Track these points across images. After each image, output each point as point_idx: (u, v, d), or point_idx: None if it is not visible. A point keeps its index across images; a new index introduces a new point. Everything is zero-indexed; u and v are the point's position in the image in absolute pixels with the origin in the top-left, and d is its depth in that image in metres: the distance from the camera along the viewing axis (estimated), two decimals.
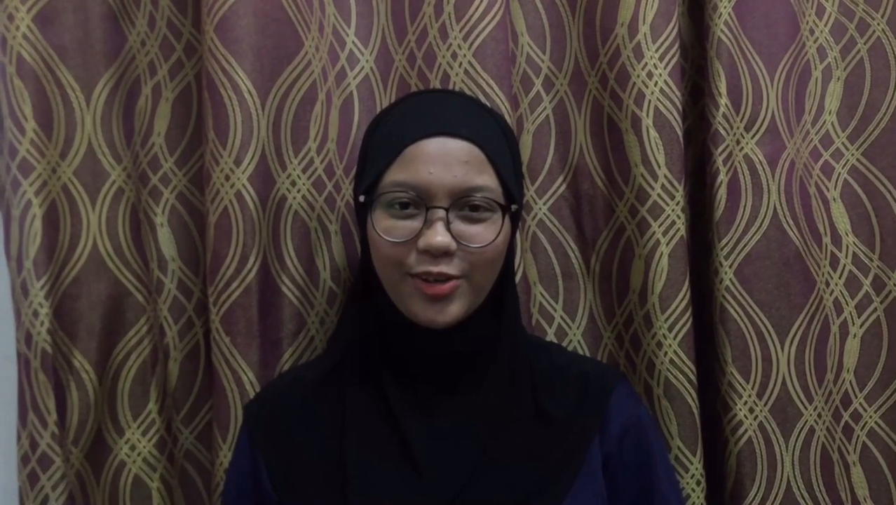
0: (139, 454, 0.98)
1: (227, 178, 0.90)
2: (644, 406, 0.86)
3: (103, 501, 0.98)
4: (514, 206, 0.77)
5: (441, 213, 0.73)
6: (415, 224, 0.74)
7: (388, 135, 0.78)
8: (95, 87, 0.97)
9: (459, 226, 0.74)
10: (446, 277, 0.74)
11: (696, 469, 0.94)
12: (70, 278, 0.96)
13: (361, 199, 0.77)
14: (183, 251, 0.99)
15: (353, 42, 1.01)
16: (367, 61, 1.01)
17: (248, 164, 0.91)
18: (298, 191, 0.94)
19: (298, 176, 0.94)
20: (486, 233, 0.75)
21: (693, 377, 0.94)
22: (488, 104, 0.93)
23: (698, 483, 0.94)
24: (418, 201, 0.74)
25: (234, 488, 0.83)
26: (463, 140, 0.75)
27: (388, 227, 0.75)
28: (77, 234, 0.97)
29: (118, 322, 0.98)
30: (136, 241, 0.99)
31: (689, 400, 0.94)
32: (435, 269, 0.73)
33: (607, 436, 0.79)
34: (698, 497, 0.93)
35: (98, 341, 0.97)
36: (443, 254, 0.73)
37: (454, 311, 0.75)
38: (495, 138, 0.79)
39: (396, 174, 0.75)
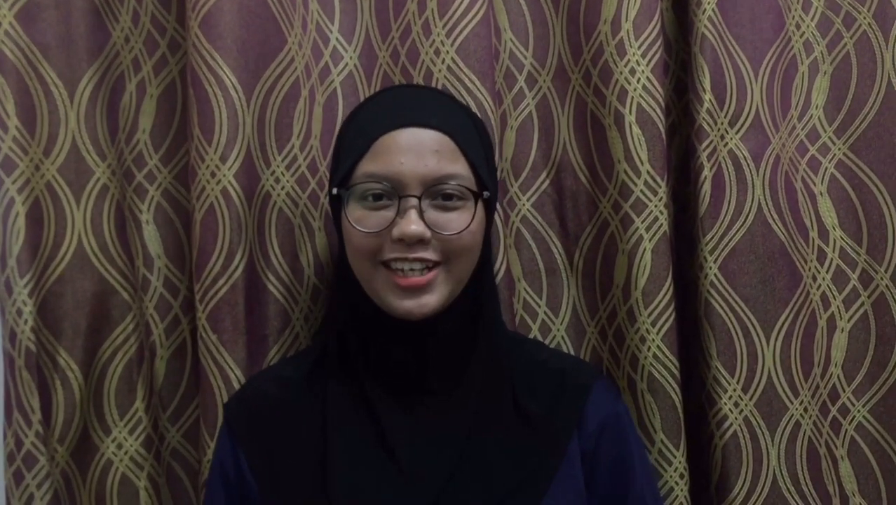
0: (126, 453, 0.98)
1: (213, 174, 0.90)
2: (623, 403, 0.86)
3: (90, 500, 0.98)
4: (486, 193, 0.77)
5: (414, 201, 0.73)
6: (388, 214, 0.74)
7: (360, 128, 0.78)
8: (79, 83, 0.97)
9: (433, 214, 0.74)
10: (424, 265, 0.74)
11: (680, 462, 0.94)
12: (55, 276, 0.96)
13: (335, 191, 0.77)
14: (169, 249, 0.99)
15: (337, 38, 1.01)
16: (350, 58, 1.01)
17: (234, 160, 0.90)
18: (282, 188, 0.94)
19: (282, 173, 0.94)
20: (459, 220, 0.75)
21: (676, 372, 0.95)
22: (471, 101, 0.94)
23: (681, 476, 0.94)
24: (391, 192, 0.74)
25: (219, 484, 0.82)
26: (433, 130, 0.75)
27: (360, 218, 0.75)
28: (61, 231, 0.97)
29: (104, 320, 0.98)
30: (122, 239, 0.99)
31: (672, 394, 0.94)
32: (412, 254, 0.73)
33: (585, 432, 0.79)
34: (682, 490, 0.94)
35: (83, 340, 0.97)
36: (417, 242, 0.73)
37: (432, 301, 0.75)
38: (465, 128, 0.79)
39: (368, 165, 0.75)
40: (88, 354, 0.98)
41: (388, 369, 0.79)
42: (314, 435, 0.78)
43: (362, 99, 1.00)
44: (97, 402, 0.98)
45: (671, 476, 0.94)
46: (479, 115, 0.90)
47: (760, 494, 0.96)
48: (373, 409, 0.77)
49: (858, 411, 1.03)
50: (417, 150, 0.74)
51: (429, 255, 0.74)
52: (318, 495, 0.75)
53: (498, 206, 0.96)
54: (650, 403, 0.94)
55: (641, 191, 0.94)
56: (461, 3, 0.94)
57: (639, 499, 0.81)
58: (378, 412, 0.77)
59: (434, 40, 0.95)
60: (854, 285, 1.04)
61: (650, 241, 0.94)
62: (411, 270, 0.74)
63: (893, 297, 1.04)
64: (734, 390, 0.96)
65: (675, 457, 0.94)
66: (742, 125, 0.99)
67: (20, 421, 0.93)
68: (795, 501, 0.97)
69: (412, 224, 0.72)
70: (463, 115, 0.81)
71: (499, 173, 0.98)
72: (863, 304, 1.04)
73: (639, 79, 0.94)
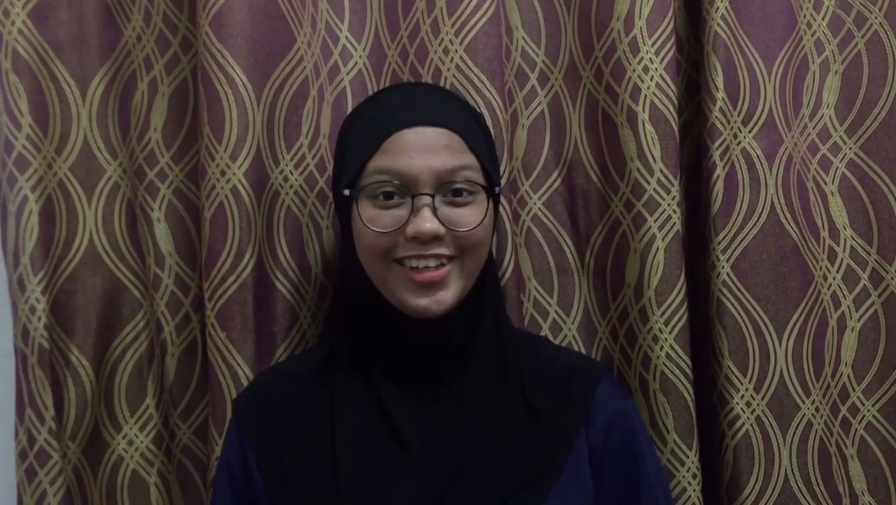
0: (136, 449, 0.99)
1: (223, 172, 0.90)
2: (631, 400, 0.86)
3: (101, 496, 0.98)
4: (497, 189, 0.78)
5: (427, 199, 0.74)
6: (401, 213, 0.75)
7: (366, 128, 0.79)
8: (91, 82, 0.98)
9: (445, 211, 0.75)
10: (439, 261, 0.74)
11: (692, 463, 0.94)
12: (66, 274, 0.96)
13: (346, 192, 0.77)
14: (180, 246, 0.99)
15: (346, 37, 1.01)
16: (360, 57, 1.01)
17: (244, 159, 0.91)
18: (291, 186, 0.94)
19: (291, 171, 0.94)
20: (472, 215, 0.76)
21: (689, 372, 0.94)
22: (480, 100, 0.94)
23: (694, 476, 0.94)
24: (403, 190, 0.75)
25: (226, 482, 0.82)
26: (441, 128, 0.76)
27: (373, 218, 0.75)
28: (73, 229, 0.97)
29: (115, 317, 0.99)
30: (133, 237, 1.00)
31: (685, 394, 0.94)
32: (427, 251, 0.74)
33: (593, 429, 0.80)
34: (694, 490, 0.93)
35: (95, 337, 0.97)
36: (432, 239, 0.74)
37: (448, 298, 0.76)
38: (470, 124, 0.80)
39: (379, 165, 0.75)
40: (99, 352, 0.98)
41: (397, 364, 0.79)
42: (323, 429, 0.78)
43: None
44: (108, 399, 0.99)
45: (684, 476, 0.93)
46: (481, 112, 0.91)
47: (772, 493, 0.95)
48: (382, 403, 0.78)
49: (868, 411, 1.03)
50: (427, 148, 0.75)
51: (443, 250, 0.75)
52: (328, 489, 0.75)
53: (508, 204, 0.96)
54: (663, 403, 0.94)
55: (654, 189, 0.94)
56: (470, 1, 0.94)
57: (650, 493, 0.81)
58: (387, 406, 0.77)
59: (443, 39, 0.95)
60: (864, 285, 1.04)
61: (663, 239, 0.94)
62: (426, 266, 0.75)
63: None
64: (746, 390, 0.96)
65: (688, 457, 0.93)
66: (755, 124, 0.99)
67: (33, 418, 0.93)
68: (807, 500, 0.96)
69: (427, 222, 0.73)
70: (466, 112, 0.82)
71: (509, 172, 0.98)
72: (873, 303, 1.04)
73: (652, 76, 0.94)
